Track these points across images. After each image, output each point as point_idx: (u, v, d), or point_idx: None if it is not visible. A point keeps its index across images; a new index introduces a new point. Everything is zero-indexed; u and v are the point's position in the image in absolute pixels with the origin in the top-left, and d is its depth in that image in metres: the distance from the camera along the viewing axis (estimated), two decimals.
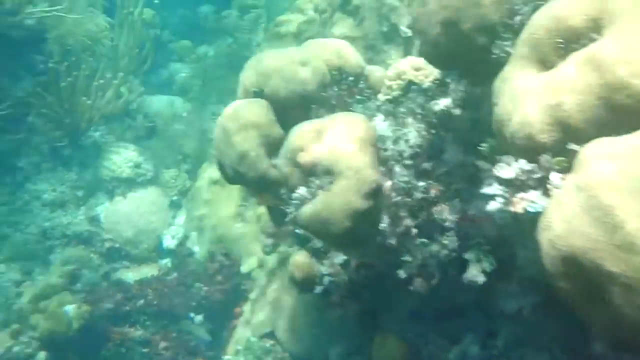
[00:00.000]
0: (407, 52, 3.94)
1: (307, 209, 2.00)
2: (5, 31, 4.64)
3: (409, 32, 3.90)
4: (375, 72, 3.23)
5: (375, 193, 1.96)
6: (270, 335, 3.40)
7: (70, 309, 3.67)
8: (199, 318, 4.17)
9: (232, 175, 2.72)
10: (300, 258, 2.39)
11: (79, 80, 4.87)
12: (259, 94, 2.86)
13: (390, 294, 2.38)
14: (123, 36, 5.38)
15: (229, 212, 4.27)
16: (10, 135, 4.69)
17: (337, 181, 1.96)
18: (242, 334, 3.58)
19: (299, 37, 4.42)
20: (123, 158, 4.98)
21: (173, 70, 6.65)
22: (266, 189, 2.79)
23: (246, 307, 3.68)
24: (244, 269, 4.00)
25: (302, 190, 2.08)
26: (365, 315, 2.47)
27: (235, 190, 4.34)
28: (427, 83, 2.93)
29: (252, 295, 3.63)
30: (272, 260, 3.60)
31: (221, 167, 2.77)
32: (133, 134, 5.34)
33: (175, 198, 5.12)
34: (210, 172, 4.59)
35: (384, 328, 2.48)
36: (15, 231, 4.52)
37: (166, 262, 4.83)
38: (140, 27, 5.43)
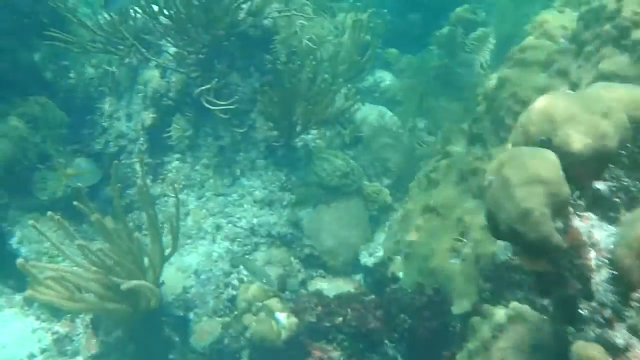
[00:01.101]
0: None
1: None
2: (246, 30, 4.82)
3: None
4: None
5: None
6: None
7: (281, 318, 3.69)
8: (392, 348, 4.00)
9: (505, 231, 2.43)
10: (595, 352, 2.04)
11: (301, 83, 4.92)
12: (546, 143, 2.55)
13: None
14: (346, 42, 5.35)
15: (444, 245, 4.00)
16: (234, 128, 4.88)
17: None
18: None
19: (547, 68, 3.99)
20: (332, 166, 4.96)
21: (378, 77, 6.55)
22: (543, 254, 2.49)
23: (460, 356, 3.41)
24: (455, 310, 3.72)
25: None
26: None
27: (452, 222, 4.07)
28: None
29: (471, 346, 3.34)
30: (499, 313, 3.27)
31: (491, 218, 2.49)
32: (340, 141, 5.32)
33: (375, 213, 5.00)
34: (424, 197, 4.37)
35: None
36: (228, 223, 4.70)
37: (359, 278, 4.75)
38: (364, 34, 5.36)
